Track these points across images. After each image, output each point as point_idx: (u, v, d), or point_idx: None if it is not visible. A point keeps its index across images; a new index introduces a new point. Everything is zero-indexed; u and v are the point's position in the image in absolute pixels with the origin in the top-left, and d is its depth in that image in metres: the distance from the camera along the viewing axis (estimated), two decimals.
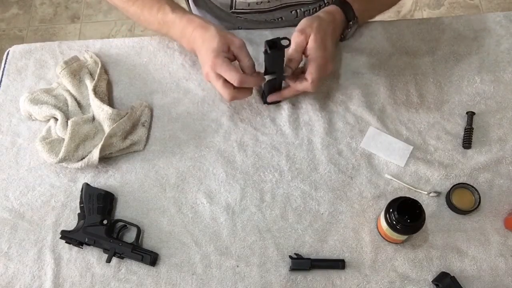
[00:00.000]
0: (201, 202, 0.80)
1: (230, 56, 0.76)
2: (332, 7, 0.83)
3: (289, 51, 0.77)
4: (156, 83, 0.91)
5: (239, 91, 0.76)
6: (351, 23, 0.85)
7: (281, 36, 0.71)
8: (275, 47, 0.70)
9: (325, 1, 0.97)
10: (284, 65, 0.77)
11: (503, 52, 0.89)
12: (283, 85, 0.84)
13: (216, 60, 0.73)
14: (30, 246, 0.79)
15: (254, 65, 0.77)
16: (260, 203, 0.80)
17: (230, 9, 0.95)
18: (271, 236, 0.77)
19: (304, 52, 0.78)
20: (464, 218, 0.77)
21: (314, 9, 0.98)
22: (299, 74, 0.80)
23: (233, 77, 0.73)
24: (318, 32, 0.77)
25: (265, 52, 0.71)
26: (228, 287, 0.75)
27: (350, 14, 0.84)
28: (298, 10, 0.97)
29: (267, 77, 0.78)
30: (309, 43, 0.77)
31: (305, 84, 0.78)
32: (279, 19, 0.98)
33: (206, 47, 0.76)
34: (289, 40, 0.71)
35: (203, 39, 0.77)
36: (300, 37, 0.76)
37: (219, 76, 0.74)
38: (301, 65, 0.81)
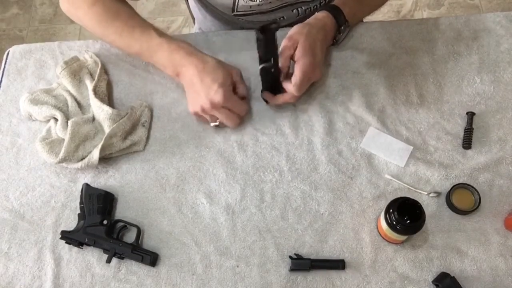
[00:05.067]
0: (201, 202, 0.80)
1: (232, 87, 0.80)
2: (322, 13, 0.84)
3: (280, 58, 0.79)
4: (156, 83, 0.91)
5: (240, 116, 0.82)
6: (342, 28, 0.85)
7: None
8: (265, 32, 0.70)
9: None
10: (277, 53, 0.77)
11: (503, 52, 0.89)
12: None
13: (227, 94, 0.77)
14: (30, 246, 0.79)
15: (248, 91, 0.82)
16: (260, 203, 0.80)
17: (232, 12, 0.95)
18: (271, 236, 0.77)
19: (292, 57, 0.80)
20: (464, 218, 0.77)
21: (315, 7, 0.98)
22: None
23: (242, 108, 0.81)
24: (307, 38, 0.78)
25: (257, 39, 0.71)
26: (228, 287, 0.75)
27: (341, 19, 0.84)
28: (299, 9, 0.97)
29: (263, 65, 0.78)
30: (297, 49, 0.78)
31: (289, 87, 0.80)
32: (281, 19, 0.98)
33: (209, 79, 0.77)
34: (278, 24, 0.71)
35: (202, 70, 0.77)
36: (288, 43, 0.79)
37: (224, 108, 0.78)
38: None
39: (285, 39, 0.80)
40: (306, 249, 0.76)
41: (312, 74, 0.80)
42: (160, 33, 0.82)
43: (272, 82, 0.82)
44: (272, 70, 0.77)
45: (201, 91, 0.77)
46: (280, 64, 0.78)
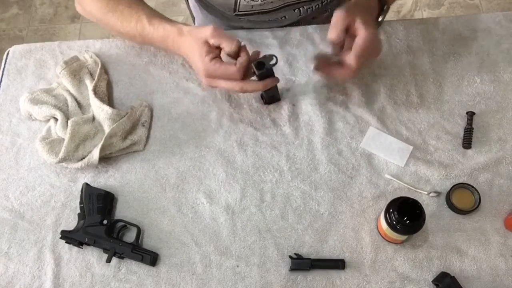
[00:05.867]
0: (201, 202, 0.80)
1: (216, 54, 0.73)
2: None
3: (333, 30, 0.72)
4: (156, 83, 0.91)
5: (247, 83, 0.73)
6: (384, 8, 0.81)
7: (269, 54, 0.72)
8: (262, 68, 0.71)
9: None
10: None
11: (503, 52, 0.89)
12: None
13: (207, 66, 0.72)
14: (30, 246, 0.79)
15: (239, 43, 0.71)
16: (260, 203, 0.80)
17: (234, 12, 0.95)
18: (271, 236, 0.77)
19: (349, 32, 0.73)
20: (464, 218, 0.77)
21: (317, 6, 0.98)
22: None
23: (233, 73, 0.71)
24: (364, 14, 0.73)
25: (254, 73, 0.72)
26: (228, 287, 0.75)
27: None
28: (301, 8, 0.97)
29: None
30: (356, 22, 0.71)
31: (347, 60, 0.72)
32: (282, 18, 0.98)
33: (191, 57, 0.75)
34: (276, 58, 0.71)
35: (186, 51, 0.76)
36: (342, 16, 0.71)
37: (219, 78, 0.73)
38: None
39: (337, 12, 0.72)
40: (306, 249, 0.76)
41: (372, 48, 0.73)
42: (150, 19, 0.80)
43: (270, 94, 0.84)
44: (270, 88, 0.79)
45: (196, 71, 0.76)
46: (333, 37, 0.72)
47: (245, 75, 0.73)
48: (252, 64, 0.71)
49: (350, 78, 0.74)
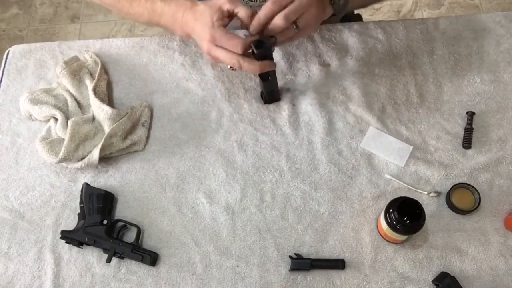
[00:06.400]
0: (201, 202, 0.80)
1: (225, 22, 0.73)
2: None
3: (253, 25, 0.72)
4: (156, 83, 0.91)
5: (245, 59, 0.72)
6: None
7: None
8: (261, 47, 0.71)
9: None
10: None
11: (503, 52, 0.89)
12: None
13: (213, 31, 0.71)
14: (30, 246, 0.79)
15: (253, 13, 0.72)
16: (260, 203, 0.80)
17: None
18: (271, 236, 0.77)
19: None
20: (464, 218, 0.77)
21: None
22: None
23: (235, 44, 0.71)
24: None
25: (253, 52, 0.72)
26: (228, 287, 0.75)
27: None
28: None
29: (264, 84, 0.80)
30: None
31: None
32: None
33: (200, 24, 0.74)
34: (275, 38, 0.71)
35: (195, 18, 0.75)
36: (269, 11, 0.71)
37: (220, 47, 0.72)
38: None
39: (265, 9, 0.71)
40: (306, 249, 0.76)
41: (307, 7, 0.70)
42: None
43: (269, 89, 0.83)
44: (269, 78, 0.78)
45: (198, 38, 0.76)
46: (252, 31, 0.73)
47: (245, 55, 0.73)
48: (251, 44, 0.71)
49: (281, 25, 0.71)
